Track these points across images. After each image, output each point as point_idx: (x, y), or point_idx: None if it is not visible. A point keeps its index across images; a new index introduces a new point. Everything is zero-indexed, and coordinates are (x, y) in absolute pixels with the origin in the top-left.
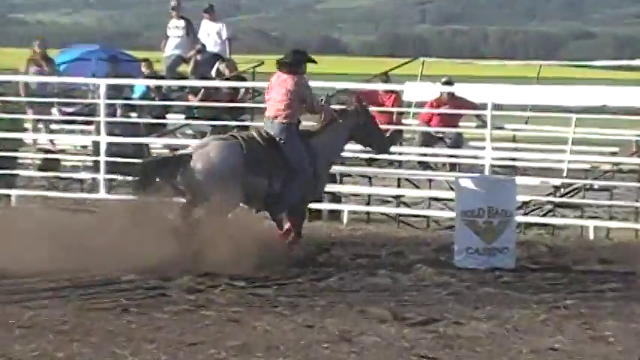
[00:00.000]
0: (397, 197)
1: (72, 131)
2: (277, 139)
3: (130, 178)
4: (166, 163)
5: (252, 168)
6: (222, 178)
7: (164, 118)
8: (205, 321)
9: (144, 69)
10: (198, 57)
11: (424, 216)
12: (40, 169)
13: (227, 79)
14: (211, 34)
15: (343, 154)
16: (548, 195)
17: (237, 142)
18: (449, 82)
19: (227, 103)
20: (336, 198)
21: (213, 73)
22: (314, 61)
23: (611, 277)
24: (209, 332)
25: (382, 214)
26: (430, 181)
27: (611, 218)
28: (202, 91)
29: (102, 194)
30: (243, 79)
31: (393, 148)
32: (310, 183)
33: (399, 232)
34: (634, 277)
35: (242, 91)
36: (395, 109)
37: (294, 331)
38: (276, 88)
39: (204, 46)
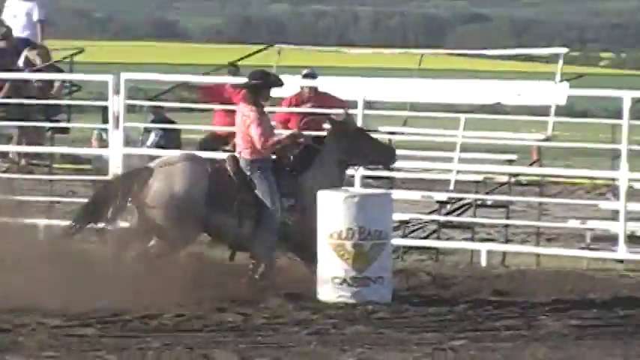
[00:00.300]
0: None
1: None
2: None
3: None
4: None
5: (218, 204)
6: (181, 208)
7: None
8: None
9: None
10: (1, 43)
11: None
12: None
13: (38, 70)
14: (19, 15)
15: None
16: (431, 213)
17: (205, 169)
18: (311, 75)
19: (38, 99)
20: None
21: (20, 62)
22: (279, 84)
23: (507, 313)
24: None
25: None
26: None
27: (508, 241)
28: (7, 85)
29: None
30: (59, 70)
31: None
32: (276, 225)
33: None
34: (534, 313)
35: (57, 84)
36: None
37: None
38: (238, 117)
39: (9, 29)
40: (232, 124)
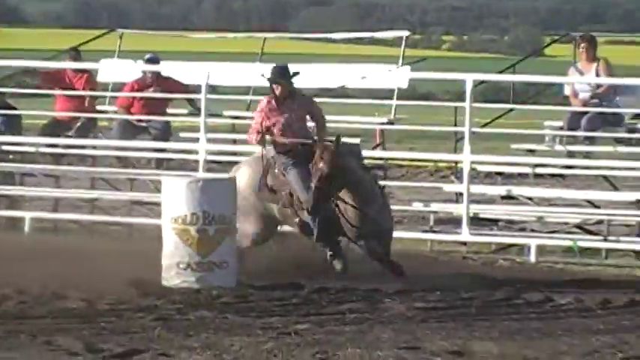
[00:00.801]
0: (91, 201)
1: None
2: None
3: None
4: None
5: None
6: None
7: None
8: None
9: None
10: None
11: (125, 224)
12: None
13: None
14: None
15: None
16: None
17: None
18: (154, 60)
19: None
20: (15, 203)
21: None
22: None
23: (351, 297)
24: None
25: (73, 221)
26: (132, 181)
27: None
28: None
29: None
30: None
31: (85, 142)
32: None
33: (93, 244)
34: (379, 296)
35: None
36: (87, 93)
37: None
38: None
39: None
40: (73, 109)
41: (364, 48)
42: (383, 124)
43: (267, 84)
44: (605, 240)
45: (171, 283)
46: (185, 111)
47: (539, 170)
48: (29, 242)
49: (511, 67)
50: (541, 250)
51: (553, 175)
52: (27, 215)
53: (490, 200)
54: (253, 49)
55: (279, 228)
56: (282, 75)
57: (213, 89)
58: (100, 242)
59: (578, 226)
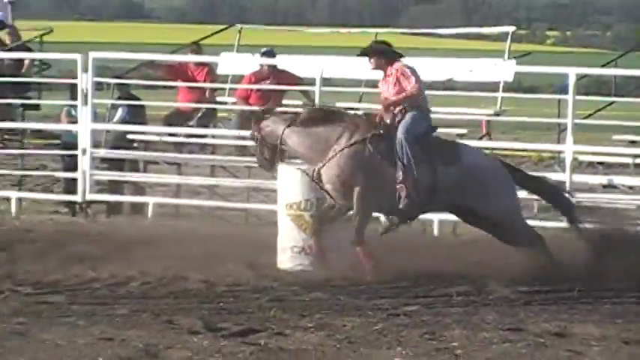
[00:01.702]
0: (211, 188)
1: None
2: None
3: None
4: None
5: None
6: None
7: None
8: None
9: None
10: None
11: (242, 209)
12: None
13: (9, 49)
14: None
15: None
16: None
17: None
18: (270, 53)
19: (10, 77)
20: (139, 189)
21: None
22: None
23: (458, 280)
24: None
25: (193, 207)
26: (249, 168)
27: None
28: None
29: None
30: (29, 50)
31: (205, 131)
32: None
33: (212, 228)
34: (484, 280)
35: (27, 63)
36: (208, 85)
37: (90, 345)
38: None
39: None
40: (195, 100)
41: (471, 43)
42: (489, 115)
43: (378, 77)
44: None
45: (286, 266)
46: (300, 102)
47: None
48: (152, 227)
49: (613, 61)
50: None
51: None
52: (150, 201)
53: (591, 189)
54: (365, 44)
55: None
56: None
57: (327, 82)
58: (219, 227)
59: None
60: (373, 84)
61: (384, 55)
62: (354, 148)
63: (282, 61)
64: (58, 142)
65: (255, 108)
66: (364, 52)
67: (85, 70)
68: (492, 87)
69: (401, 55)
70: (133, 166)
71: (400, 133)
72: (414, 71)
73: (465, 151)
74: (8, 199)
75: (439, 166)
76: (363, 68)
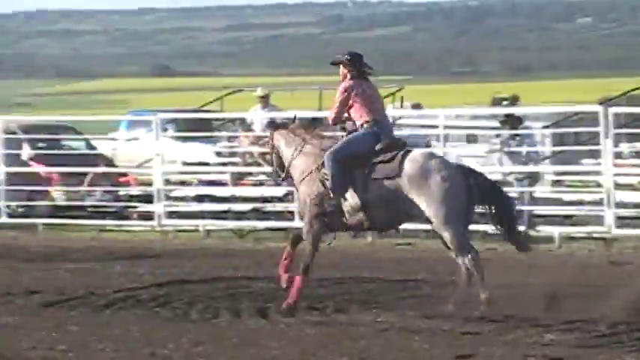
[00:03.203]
0: None
1: None
2: None
3: None
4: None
5: None
6: None
7: None
8: None
9: None
10: None
11: None
12: None
13: None
14: None
15: None
16: None
17: None
18: None
19: None
20: None
21: None
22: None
23: None
24: None
25: None
26: None
27: None
28: None
29: None
30: None
31: None
32: None
33: None
34: None
35: None
36: None
37: None
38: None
39: None
40: None
41: None
42: None
43: None
44: None
45: None
46: None
47: None
48: None
49: None
50: None
51: None
52: None
53: None
54: None
55: None
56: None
57: None
58: None
59: None
60: None
61: (349, 65)
62: (307, 178)
63: None
64: None
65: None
66: (334, 61)
67: None
68: None
69: (365, 73)
70: None
71: (325, 154)
72: (341, 93)
73: (413, 161)
74: None
75: (373, 181)
76: None
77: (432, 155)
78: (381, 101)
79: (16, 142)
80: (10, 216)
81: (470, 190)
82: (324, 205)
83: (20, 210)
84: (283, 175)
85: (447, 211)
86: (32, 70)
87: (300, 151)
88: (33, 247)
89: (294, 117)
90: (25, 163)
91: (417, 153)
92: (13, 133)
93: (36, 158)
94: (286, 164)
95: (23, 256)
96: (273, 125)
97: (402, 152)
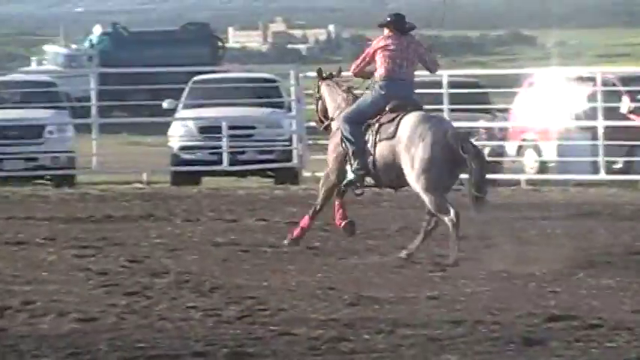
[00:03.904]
0: None
1: None
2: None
3: None
4: None
5: None
6: None
7: None
8: None
9: None
10: None
11: None
12: None
13: None
14: None
15: None
16: None
17: None
18: None
19: None
20: None
21: None
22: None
23: None
24: None
25: None
26: None
27: None
28: None
29: None
30: None
31: None
32: None
33: None
34: None
35: None
36: None
37: None
38: None
39: None
40: None
41: None
42: None
43: None
44: None
45: None
46: None
47: None
48: None
49: None
50: None
51: None
52: None
53: None
54: None
55: None
56: None
57: None
58: None
59: None
60: None
61: (386, 25)
62: (337, 133)
63: None
64: None
65: None
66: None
67: None
68: None
69: (405, 30)
70: None
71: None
72: (368, 47)
73: (405, 125)
74: None
75: (377, 141)
76: None
77: (423, 119)
78: (410, 58)
79: (616, 95)
80: (610, 172)
81: (453, 157)
82: (344, 162)
83: (619, 166)
84: (326, 124)
85: (426, 180)
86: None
87: (339, 104)
88: (633, 204)
89: (339, 69)
90: (624, 117)
91: (410, 116)
92: (613, 84)
93: (636, 111)
94: (330, 115)
95: (623, 214)
96: (320, 74)
97: (402, 114)
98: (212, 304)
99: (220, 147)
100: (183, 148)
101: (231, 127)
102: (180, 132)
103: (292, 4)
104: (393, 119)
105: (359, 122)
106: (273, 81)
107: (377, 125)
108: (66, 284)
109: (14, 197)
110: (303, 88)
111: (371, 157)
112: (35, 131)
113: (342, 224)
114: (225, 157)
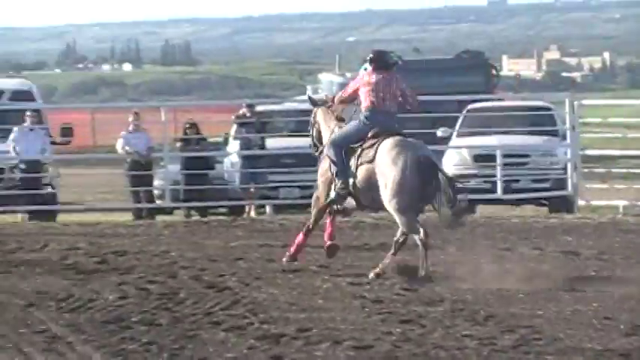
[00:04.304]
0: None
1: None
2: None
3: None
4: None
5: None
6: None
7: None
8: None
9: None
10: None
11: None
12: None
13: None
14: None
15: None
16: None
17: None
18: None
19: None
20: None
21: None
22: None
23: None
24: None
25: None
26: None
27: None
28: None
29: None
30: None
31: None
32: None
33: None
34: None
35: None
36: None
37: None
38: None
39: None
40: None
41: None
42: None
43: None
44: None
45: None
46: None
47: None
48: None
49: None
50: None
51: None
52: None
53: None
54: None
55: None
56: None
57: None
58: None
59: None
60: None
61: (370, 61)
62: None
63: None
64: None
65: None
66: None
67: None
68: None
69: (387, 65)
70: None
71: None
72: (353, 80)
73: (382, 149)
74: None
75: (358, 165)
76: None
77: (398, 144)
78: (393, 92)
79: None
80: None
81: (424, 180)
82: (331, 185)
83: None
84: (320, 149)
85: (397, 202)
86: None
87: (333, 131)
88: None
89: (333, 97)
90: None
91: (388, 140)
92: None
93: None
94: (324, 140)
95: None
96: (314, 102)
97: (382, 139)
98: (487, 333)
99: (494, 175)
100: (457, 177)
101: (505, 156)
102: (454, 160)
103: (566, 32)
104: (373, 144)
105: (342, 146)
106: (548, 109)
107: (360, 150)
108: (341, 312)
109: (289, 224)
110: (578, 115)
111: (352, 180)
112: (310, 159)
113: (327, 244)
114: (500, 186)
